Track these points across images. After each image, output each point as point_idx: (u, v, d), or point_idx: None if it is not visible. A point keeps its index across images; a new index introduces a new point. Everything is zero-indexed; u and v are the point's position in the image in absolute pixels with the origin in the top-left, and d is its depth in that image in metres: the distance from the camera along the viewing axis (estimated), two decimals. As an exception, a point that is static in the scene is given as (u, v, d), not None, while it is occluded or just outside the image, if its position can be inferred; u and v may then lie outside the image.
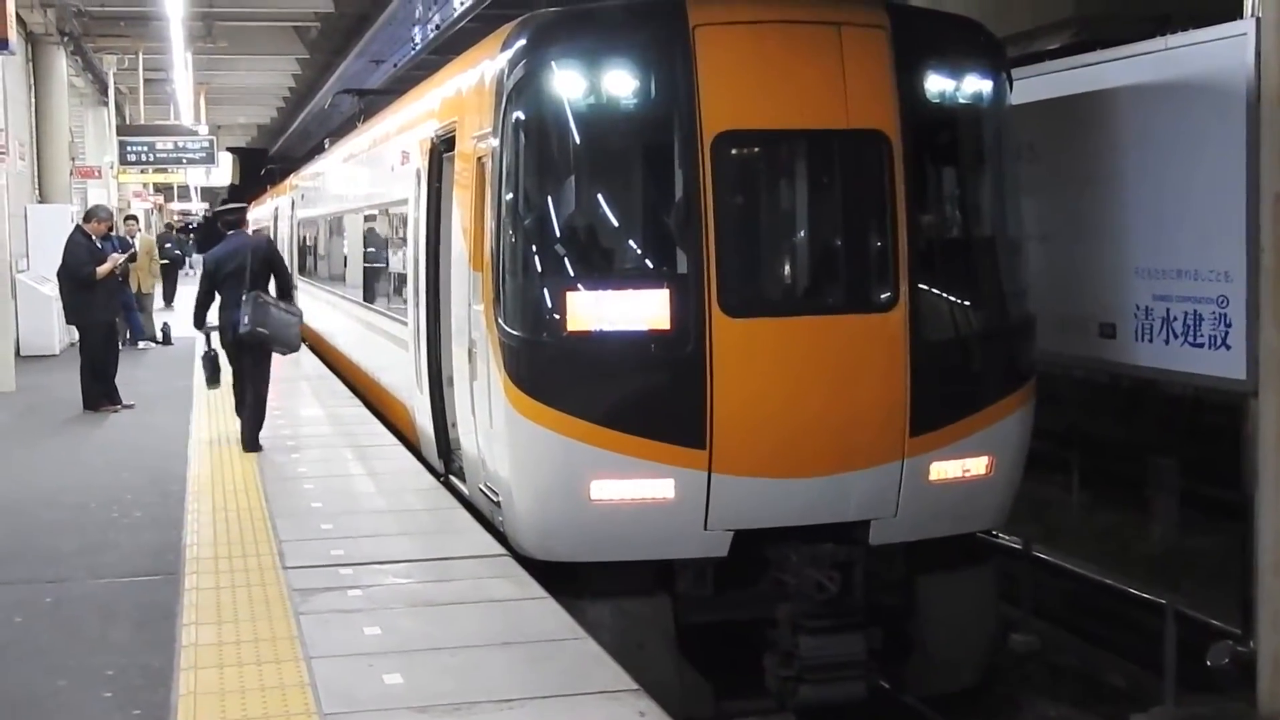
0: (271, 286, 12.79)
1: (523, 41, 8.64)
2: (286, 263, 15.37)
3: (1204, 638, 9.17)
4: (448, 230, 10.40)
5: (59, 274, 16.31)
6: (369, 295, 16.19)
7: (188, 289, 30.72)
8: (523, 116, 8.57)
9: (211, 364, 13.06)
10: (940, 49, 8.90)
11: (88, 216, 16.80)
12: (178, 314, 27.84)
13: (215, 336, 12.99)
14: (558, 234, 8.61)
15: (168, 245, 36.46)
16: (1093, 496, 13.77)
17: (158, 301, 32.80)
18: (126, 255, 18.36)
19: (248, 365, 12.60)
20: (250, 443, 12.58)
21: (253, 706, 6.07)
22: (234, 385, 12.98)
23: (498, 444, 8.74)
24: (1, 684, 6.79)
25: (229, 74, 43.62)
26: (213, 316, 12.93)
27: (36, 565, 8.95)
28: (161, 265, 34.30)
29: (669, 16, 8.49)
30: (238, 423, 12.99)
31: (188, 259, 41.88)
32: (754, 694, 8.66)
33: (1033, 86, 10.18)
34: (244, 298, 12.13)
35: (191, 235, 53.48)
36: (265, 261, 12.76)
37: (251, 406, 12.65)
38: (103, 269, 15.71)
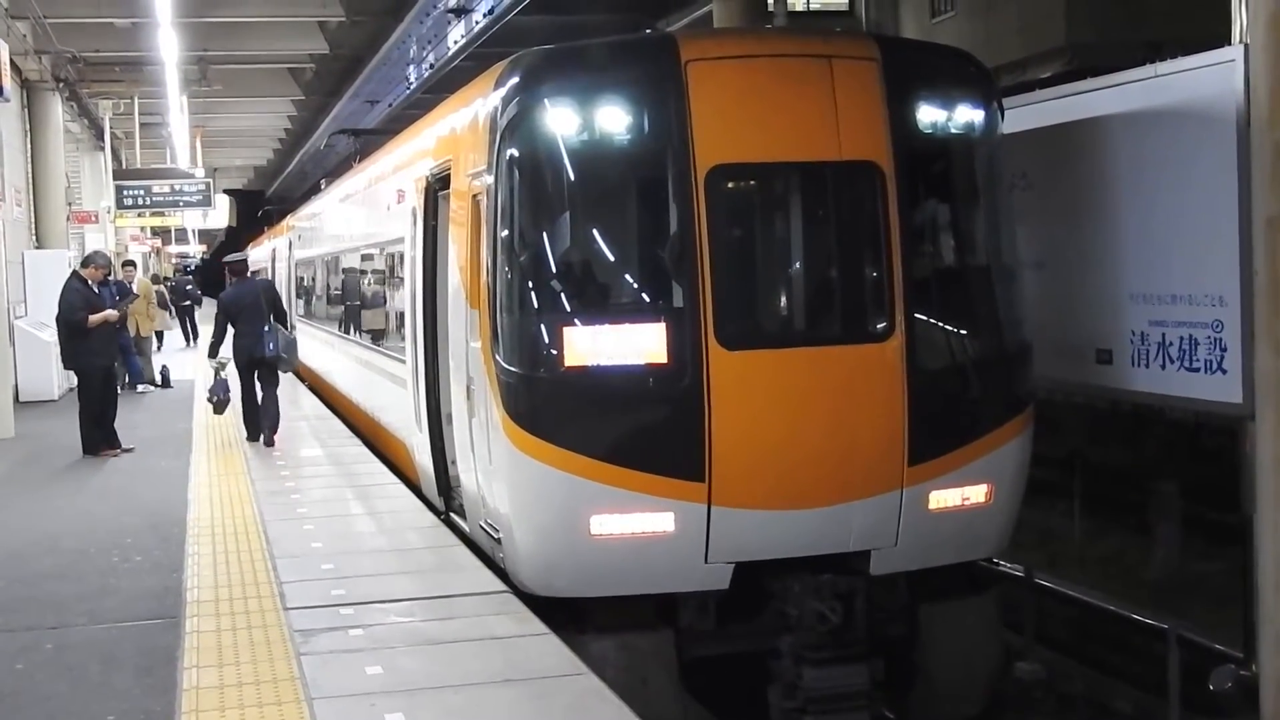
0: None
1: (515, 79, 8.68)
2: (283, 300, 18.65)
3: (1207, 662, 9.15)
4: (444, 268, 10.43)
5: (56, 320, 16.32)
6: (367, 334, 16.22)
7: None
8: (517, 153, 8.60)
9: (222, 391, 16.02)
10: (931, 80, 8.94)
11: (85, 262, 16.78)
12: (200, 351, 27.96)
13: (226, 370, 15.90)
14: (554, 270, 8.63)
15: (189, 288, 37.47)
16: (1094, 522, 13.78)
17: (179, 341, 33.52)
18: (126, 301, 18.38)
19: (264, 381, 15.58)
20: (268, 440, 15.50)
21: (255, 749, 6.07)
22: (245, 406, 15.75)
23: (497, 481, 8.74)
24: (4, 731, 6.80)
25: (225, 117, 43.88)
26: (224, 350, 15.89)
27: (38, 612, 8.93)
28: (183, 306, 35.13)
29: (661, 53, 8.55)
30: (241, 458, 14.54)
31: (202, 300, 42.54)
32: (758, 727, 8.63)
33: (1025, 115, 10.23)
34: (266, 329, 15.26)
35: (191, 277, 53.71)
36: (271, 299, 16.00)
37: (272, 413, 15.65)
38: (95, 318, 15.70)
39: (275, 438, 15.62)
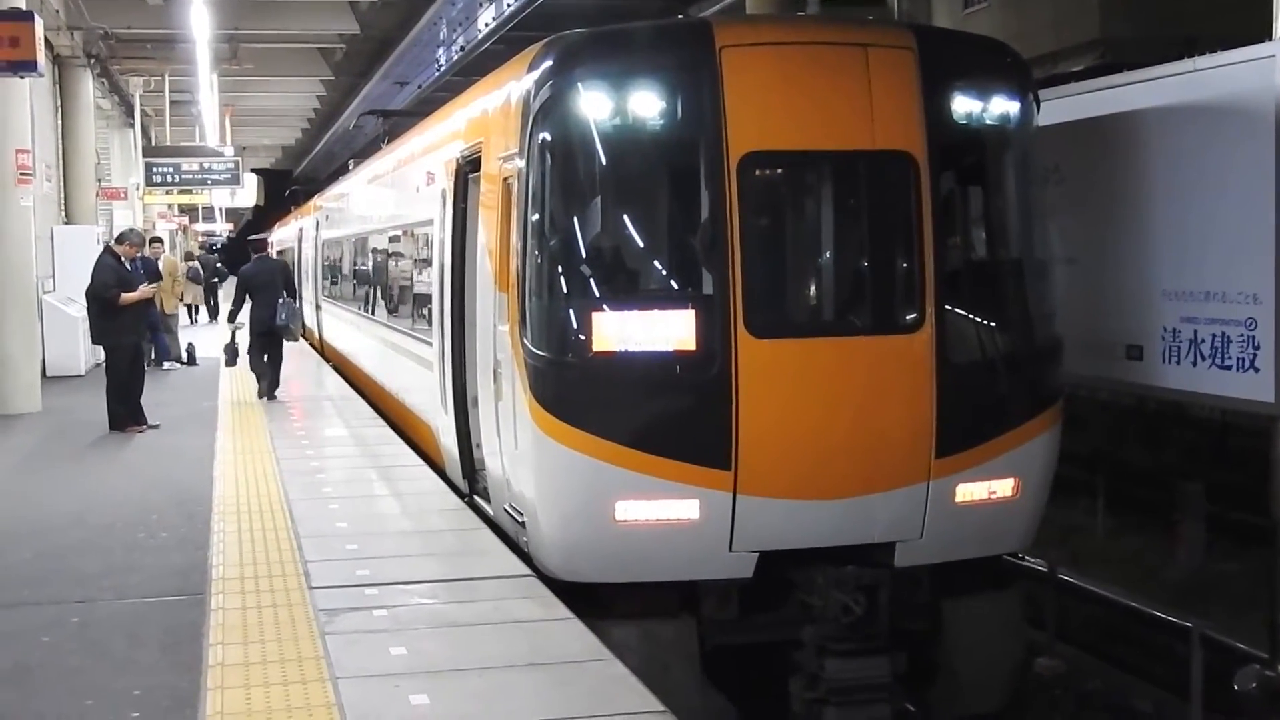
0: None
1: (549, 62, 8.65)
2: (303, 279, 22.42)
3: (1231, 662, 9.11)
4: (473, 251, 10.41)
5: (86, 295, 16.38)
6: (393, 316, 16.23)
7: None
8: (549, 137, 8.58)
9: (232, 351, 18.44)
10: (967, 71, 8.86)
11: (119, 239, 16.84)
12: (222, 325, 28.32)
13: (240, 333, 18.26)
14: (583, 255, 8.60)
15: (219, 265, 38.40)
16: (1119, 520, 13.73)
17: (203, 317, 34.11)
18: (153, 287, 18.45)
19: (272, 347, 18.04)
20: (270, 395, 17.95)
21: (279, 727, 6.07)
22: (253, 365, 18.09)
23: (523, 465, 8.73)
24: (30, 704, 6.82)
25: (254, 96, 43.96)
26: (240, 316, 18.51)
27: (63, 586, 8.98)
28: (210, 283, 35.84)
29: (696, 38, 8.50)
30: (266, 436, 14.44)
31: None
32: (779, 717, 8.61)
33: (1058, 108, 10.17)
34: (280, 302, 17.62)
35: (217, 254, 54.11)
36: (285, 276, 18.67)
37: (275, 372, 18.13)
38: (129, 297, 15.75)
39: (277, 394, 18.10)
